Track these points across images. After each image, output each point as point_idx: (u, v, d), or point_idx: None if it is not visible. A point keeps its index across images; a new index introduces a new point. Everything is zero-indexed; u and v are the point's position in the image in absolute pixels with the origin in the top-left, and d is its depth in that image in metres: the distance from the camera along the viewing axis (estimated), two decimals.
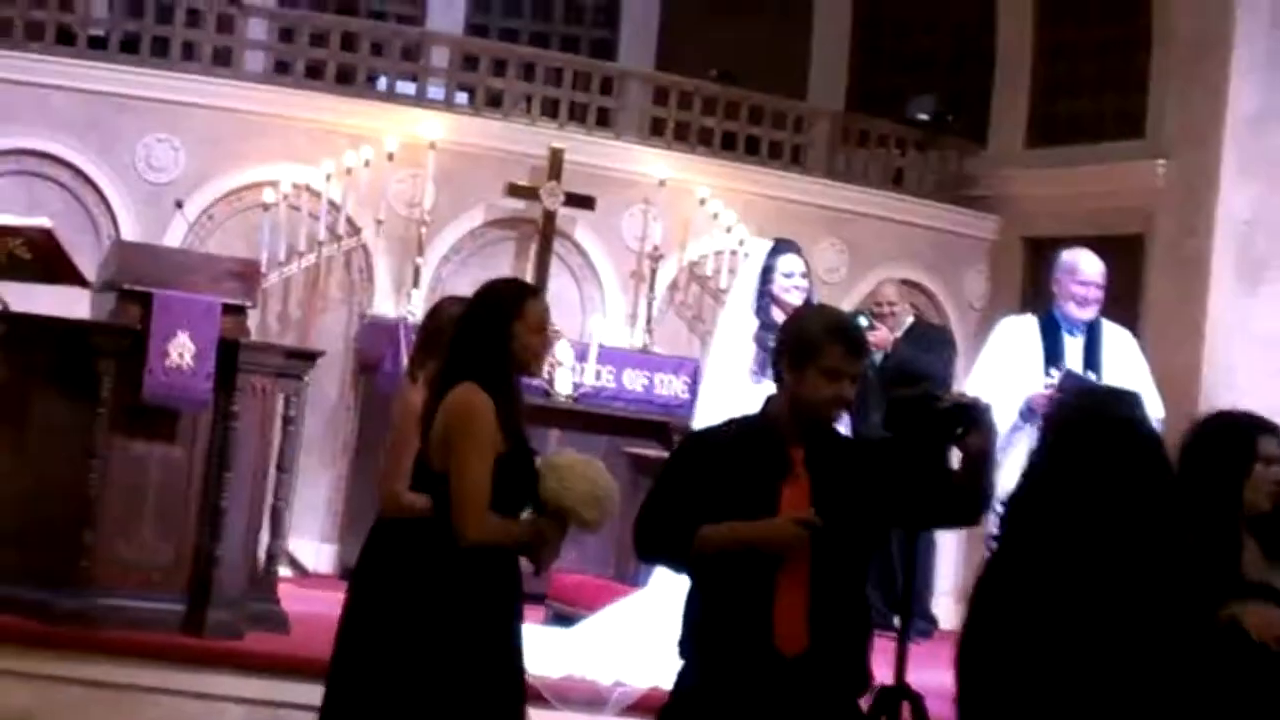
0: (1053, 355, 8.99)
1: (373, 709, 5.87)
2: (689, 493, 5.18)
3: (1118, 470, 4.90)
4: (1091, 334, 9.09)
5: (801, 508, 5.11)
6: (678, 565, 5.34)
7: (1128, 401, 6.02)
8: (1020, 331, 9.19)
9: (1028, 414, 8.77)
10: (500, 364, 5.67)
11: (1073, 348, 9.02)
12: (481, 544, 5.54)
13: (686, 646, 5.27)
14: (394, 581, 5.97)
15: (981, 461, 5.38)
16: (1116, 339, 9.18)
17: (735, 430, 5.39)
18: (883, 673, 5.98)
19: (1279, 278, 12.14)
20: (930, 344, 11.38)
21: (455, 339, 5.78)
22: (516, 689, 5.80)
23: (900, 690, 6.06)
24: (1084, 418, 5.22)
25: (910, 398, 5.64)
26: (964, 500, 5.39)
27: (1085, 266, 9.11)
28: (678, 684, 5.29)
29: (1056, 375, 8.89)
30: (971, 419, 5.38)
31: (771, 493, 5.14)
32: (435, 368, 6.36)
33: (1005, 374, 8.88)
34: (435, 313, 6.88)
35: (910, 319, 11.85)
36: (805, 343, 5.21)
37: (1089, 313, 9.06)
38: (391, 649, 5.77)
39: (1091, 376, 8.87)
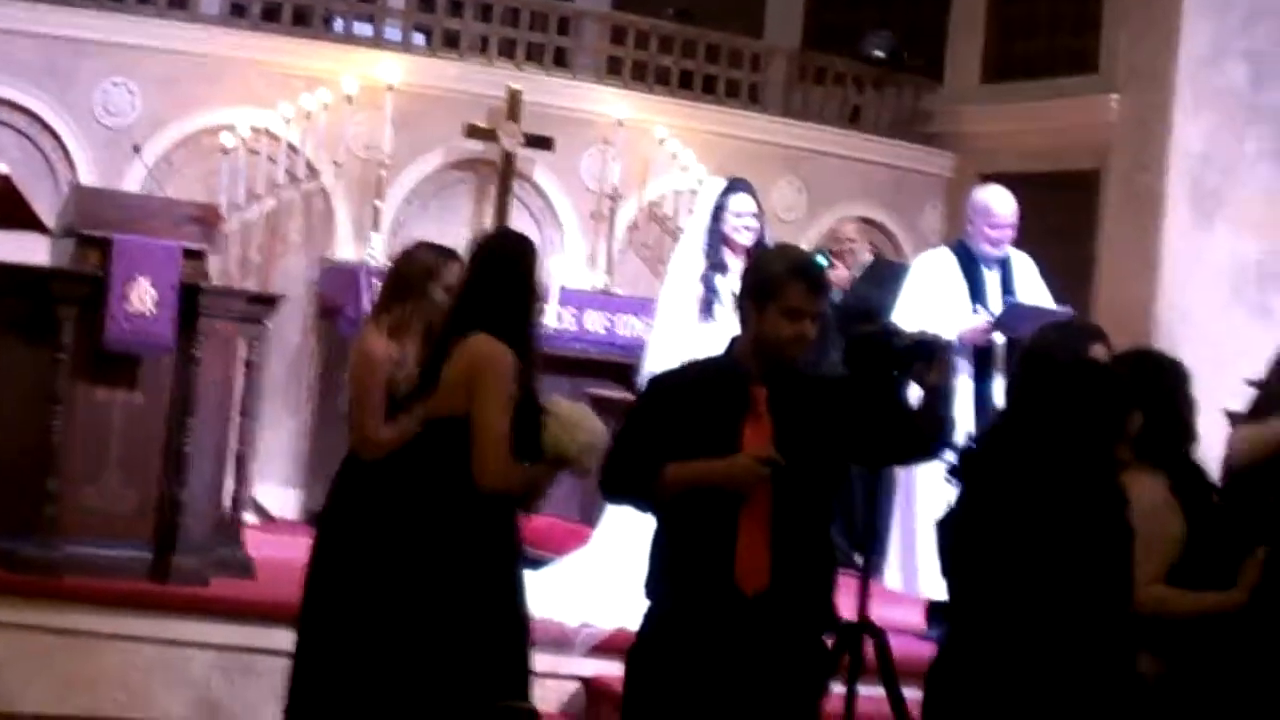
0: (974, 288, 9.16)
1: (368, 654, 5.92)
2: (654, 434, 5.25)
3: (1087, 406, 5.02)
4: (1005, 266, 9.26)
5: (763, 446, 5.17)
6: (643, 505, 5.40)
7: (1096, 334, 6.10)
8: (940, 265, 9.36)
9: (958, 347, 8.90)
10: (522, 314, 5.81)
11: (991, 280, 9.22)
12: (500, 490, 5.68)
13: (652, 587, 5.34)
14: (378, 523, 6.10)
15: (940, 397, 5.46)
16: (1023, 266, 9.39)
17: (698, 371, 5.47)
18: (846, 610, 6.06)
19: (1233, 212, 12.20)
20: (887, 281, 11.43)
21: (470, 288, 5.87)
22: (523, 632, 5.88)
23: (862, 626, 6.12)
24: (1057, 354, 5.31)
25: (869, 334, 5.70)
26: (923, 435, 5.45)
27: (998, 207, 9.28)
28: (644, 624, 5.35)
29: (982, 310, 9.02)
30: (930, 355, 5.45)
31: (733, 432, 5.20)
32: (401, 313, 6.46)
33: (930, 307, 8.99)
34: (406, 258, 6.91)
35: (869, 257, 11.89)
36: (766, 282, 5.28)
37: (1002, 250, 9.24)
38: (391, 593, 5.83)
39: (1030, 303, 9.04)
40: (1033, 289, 9.30)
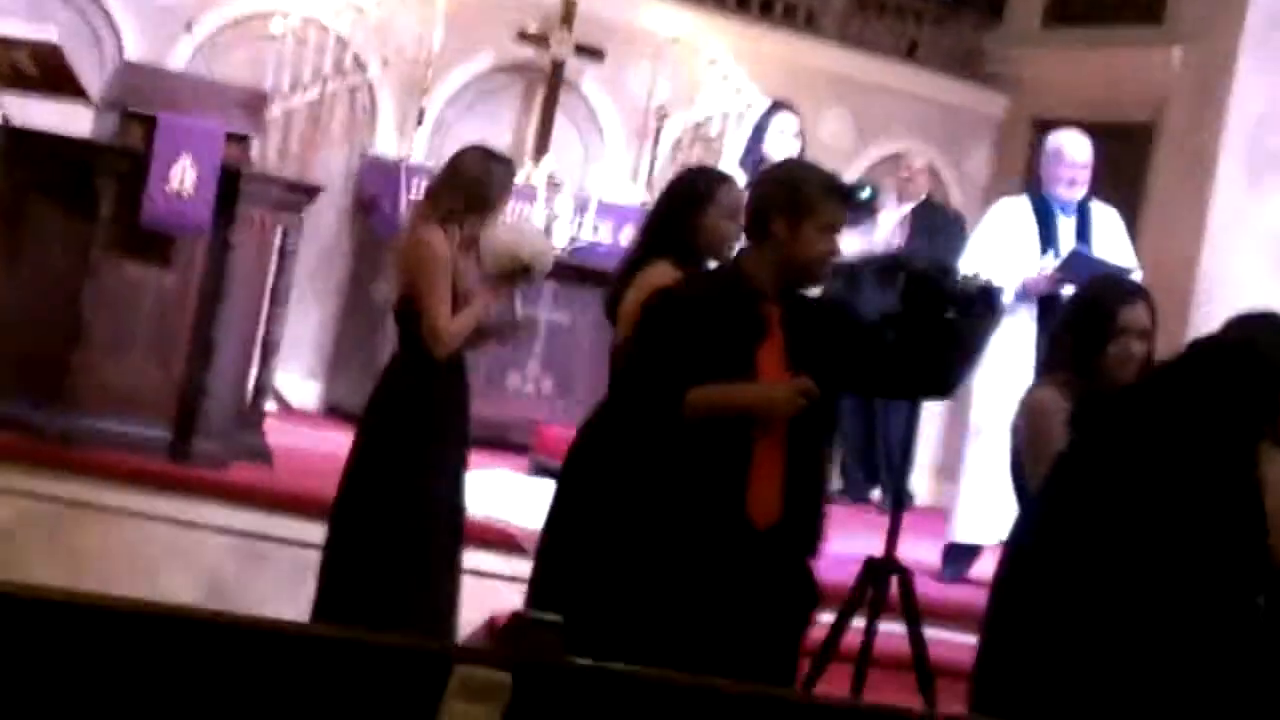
0: (1046, 236, 9.03)
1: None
2: (670, 354, 5.07)
3: (1242, 391, 4.88)
4: (1082, 214, 9.12)
5: (777, 369, 5.04)
6: (662, 429, 5.16)
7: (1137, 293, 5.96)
8: (1015, 213, 9.21)
9: (1023, 295, 8.78)
10: (691, 246, 5.91)
11: (1065, 228, 9.06)
12: None
13: (648, 508, 5.14)
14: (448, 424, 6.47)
15: (981, 343, 5.37)
16: (1105, 218, 9.24)
17: (709, 287, 5.33)
18: (863, 545, 5.99)
19: None
20: (937, 230, 11.23)
21: (651, 219, 6.14)
22: None
23: (889, 563, 6.07)
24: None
25: (933, 274, 5.62)
26: (943, 375, 5.35)
27: (1071, 150, 9.13)
28: (629, 543, 5.17)
29: (1053, 257, 8.89)
30: (989, 303, 5.36)
31: (748, 353, 5.06)
32: (475, 227, 6.67)
33: (1001, 254, 8.87)
34: (487, 172, 6.87)
35: (924, 195, 11.71)
36: (802, 197, 5.13)
37: (1078, 193, 9.09)
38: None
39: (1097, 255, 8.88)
40: (1113, 242, 9.12)
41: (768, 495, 5.03)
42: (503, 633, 3.33)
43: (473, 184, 6.76)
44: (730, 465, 5.01)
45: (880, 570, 5.98)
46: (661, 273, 5.73)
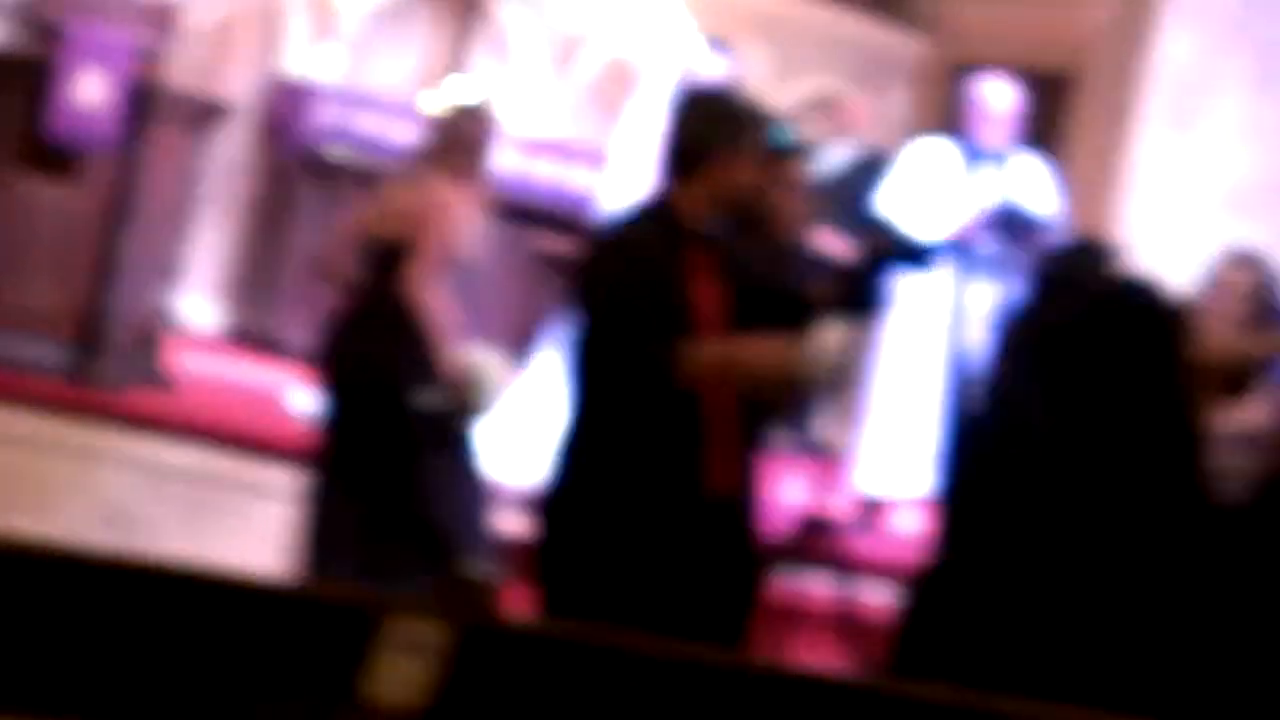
0: (968, 186, 8.85)
1: None
2: (635, 311, 4.69)
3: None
4: (1004, 164, 8.98)
5: (718, 315, 4.74)
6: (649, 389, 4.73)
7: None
8: (936, 158, 9.03)
9: (952, 248, 8.60)
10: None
11: (986, 180, 8.89)
12: None
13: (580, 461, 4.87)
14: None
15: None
16: (1029, 170, 9.09)
17: (641, 232, 4.90)
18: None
19: (1210, 131, 12.01)
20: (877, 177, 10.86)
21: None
22: None
23: (818, 517, 6.02)
24: (1126, 305, 5.07)
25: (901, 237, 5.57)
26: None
27: (993, 100, 9.02)
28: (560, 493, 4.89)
29: (978, 209, 8.75)
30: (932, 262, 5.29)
31: (686, 300, 4.72)
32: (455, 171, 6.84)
33: (921, 201, 8.73)
34: (462, 120, 7.12)
35: (854, 144, 11.34)
36: (740, 125, 4.90)
37: (1000, 144, 8.96)
38: None
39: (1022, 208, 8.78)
40: (1038, 194, 8.98)
41: (730, 461, 4.75)
42: (436, 588, 3.21)
43: (475, 145, 6.98)
44: (685, 427, 4.69)
45: (813, 524, 5.90)
46: None
